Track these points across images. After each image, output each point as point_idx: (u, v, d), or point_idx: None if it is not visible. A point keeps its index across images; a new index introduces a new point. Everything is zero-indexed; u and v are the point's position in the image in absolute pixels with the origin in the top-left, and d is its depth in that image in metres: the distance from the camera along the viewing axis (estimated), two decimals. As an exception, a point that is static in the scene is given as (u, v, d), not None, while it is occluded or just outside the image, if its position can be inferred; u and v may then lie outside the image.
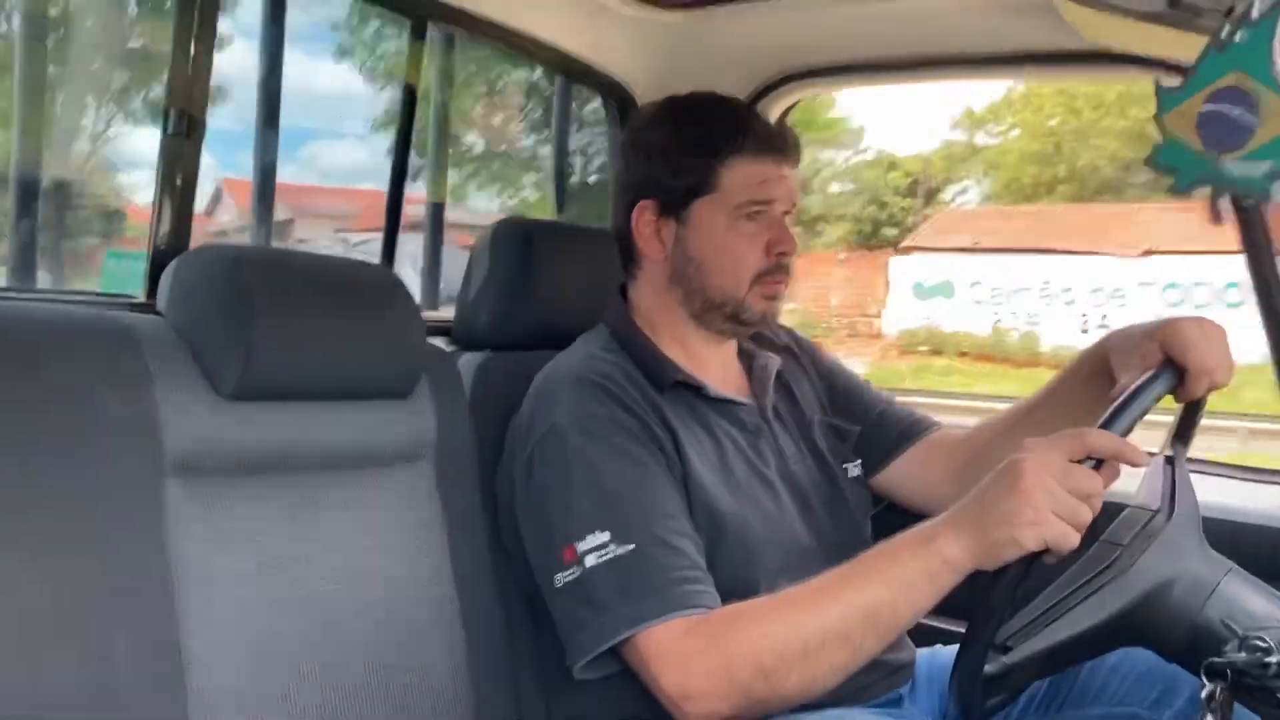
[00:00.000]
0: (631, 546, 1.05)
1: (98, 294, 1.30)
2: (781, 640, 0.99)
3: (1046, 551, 0.90)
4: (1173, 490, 1.03)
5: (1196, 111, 0.94)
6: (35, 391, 0.90)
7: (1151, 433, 1.13)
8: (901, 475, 1.39)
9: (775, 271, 1.24)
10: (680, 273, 1.26)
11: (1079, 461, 0.92)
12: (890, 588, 0.97)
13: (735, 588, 1.09)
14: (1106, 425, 0.96)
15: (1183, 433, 1.13)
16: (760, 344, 1.36)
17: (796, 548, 1.20)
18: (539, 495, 1.13)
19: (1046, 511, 0.89)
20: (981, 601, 0.92)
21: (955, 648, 0.93)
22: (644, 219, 1.26)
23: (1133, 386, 1.02)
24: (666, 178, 1.24)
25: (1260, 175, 0.93)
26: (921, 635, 1.24)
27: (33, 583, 0.85)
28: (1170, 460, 1.08)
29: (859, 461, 1.36)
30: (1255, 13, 0.92)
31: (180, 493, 0.97)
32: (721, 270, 1.24)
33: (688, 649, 1.01)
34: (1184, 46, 1.26)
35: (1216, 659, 0.89)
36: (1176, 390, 1.08)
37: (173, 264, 1.10)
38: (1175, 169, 0.96)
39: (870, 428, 1.39)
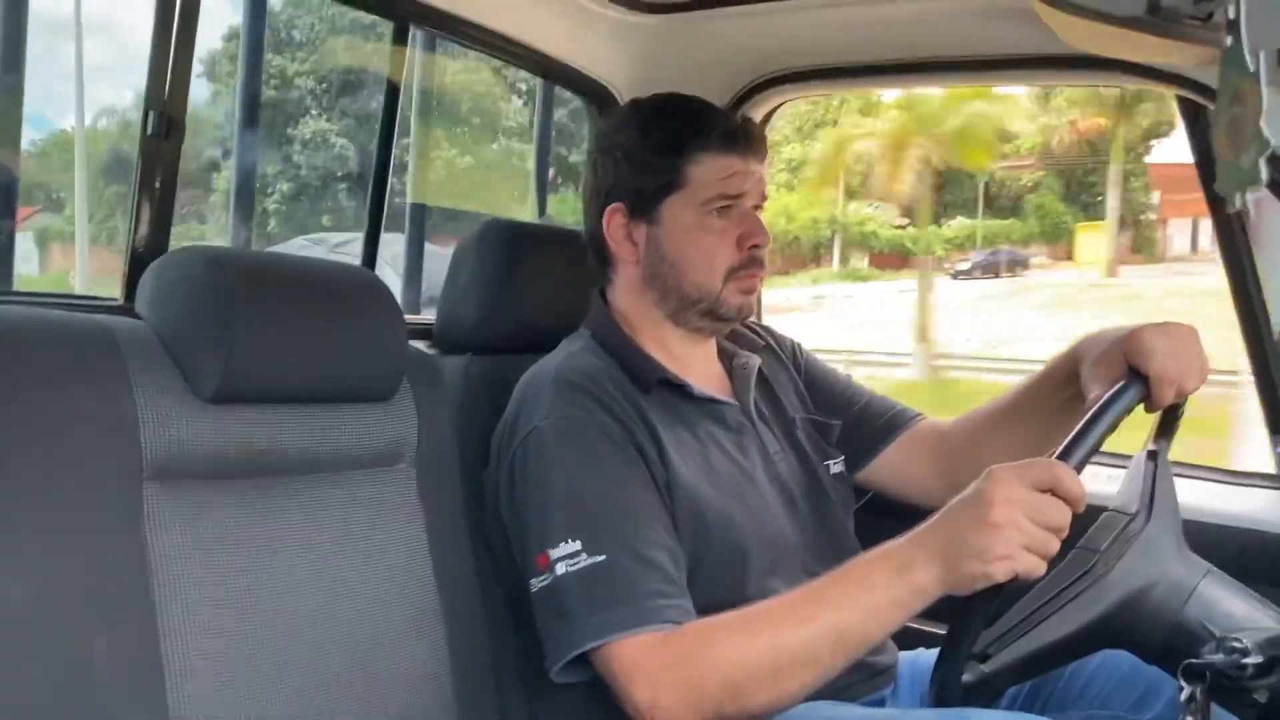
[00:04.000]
0: (602, 558, 1.05)
1: (76, 296, 1.29)
2: (752, 658, 1.00)
3: (1016, 579, 0.91)
4: (1152, 492, 1.03)
5: (1224, 123, 0.95)
6: (12, 394, 0.89)
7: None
8: (885, 469, 1.39)
9: (749, 265, 1.24)
10: (654, 273, 1.26)
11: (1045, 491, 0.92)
12: (861, 613, 0.99)
13: (723, 585, 1.09)
14: (1070, 447, 0.96)
15: (1164, 430, 1.12)
16: (740, 344, 1.37)
17: (782, 544, 1.21)
18: (519, 499, 1.14)
19: (1017, 546, 0.90)
20: (960, 611, 0.92)
21: (937, 651, 0.93)
22: (615, 222, 1.26)
23: (1098, 404, 1.01)
24: (635, 179, 1.24)
25: (1254, 164, 0.94)
26: (905, 638, 1.24)
27: (10, 585, 0.85)
28: (1153, 455, 1.08)
29: (841, 457, 1.37)
30: (1231, 14, 0.93)
31: (159, 496, 0.96)
32: (695, 266, 1.24)
33: (657, 663, 1.02)
34: (1164, 52, 1.27)
35: (1195, 660, 0.89)
36: (1146, 400, 1.07)
37: (152, 266, 1.09)
38: (1224, 185, 0.97)
39: (852, 423, 1.40)
